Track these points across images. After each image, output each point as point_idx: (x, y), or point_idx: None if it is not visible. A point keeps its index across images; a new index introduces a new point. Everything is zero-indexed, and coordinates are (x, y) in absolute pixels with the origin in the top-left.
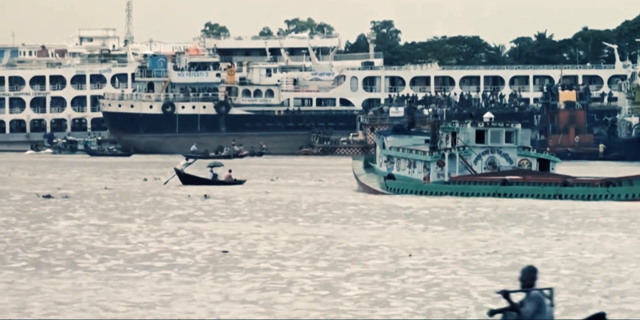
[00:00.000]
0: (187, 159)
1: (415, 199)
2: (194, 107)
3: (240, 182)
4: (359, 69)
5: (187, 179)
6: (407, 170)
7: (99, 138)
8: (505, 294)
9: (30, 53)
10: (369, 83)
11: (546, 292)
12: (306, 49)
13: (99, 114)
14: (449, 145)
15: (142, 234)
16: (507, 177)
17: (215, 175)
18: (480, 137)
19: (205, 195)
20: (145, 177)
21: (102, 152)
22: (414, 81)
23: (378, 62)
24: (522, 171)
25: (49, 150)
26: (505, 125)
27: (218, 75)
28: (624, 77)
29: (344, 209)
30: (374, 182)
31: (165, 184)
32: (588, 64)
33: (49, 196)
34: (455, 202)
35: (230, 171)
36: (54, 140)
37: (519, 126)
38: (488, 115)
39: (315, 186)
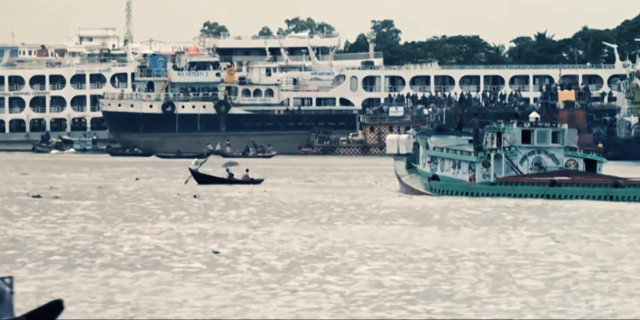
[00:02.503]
0: (198, 158)
1: (477, 201)
2: (193, 106)
3: (257, 182)
4: (359, 68)
5: (203, 179)
6: (451, 171)
7: (94, 137)
8: None
9: (29, 52)
10: (369, 83)
11: (7, 280)
12: (306, 48)
13: (99, 114)
14: (494, 146)
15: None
16: (556, 178)
17: (231, 175)
18: (526, 137)
19: (195, 195)
20: (137, 176)
21: (123, 152)
22: (414, 81)
23: (378, 61)
24: (569, 172)
25: (71, 149)
26: (551, 125)
27: (218, 74)
28: (623, 77)
29: (429, 215)
30: (417, 183)
31: (185, 184)
32: (588, 64)
33: (38, 196)
34: (547, 204)
35: (247, 170)
36: (50, 140)
37: (565, 126)
38: (534, 115)
39: (357, 187)
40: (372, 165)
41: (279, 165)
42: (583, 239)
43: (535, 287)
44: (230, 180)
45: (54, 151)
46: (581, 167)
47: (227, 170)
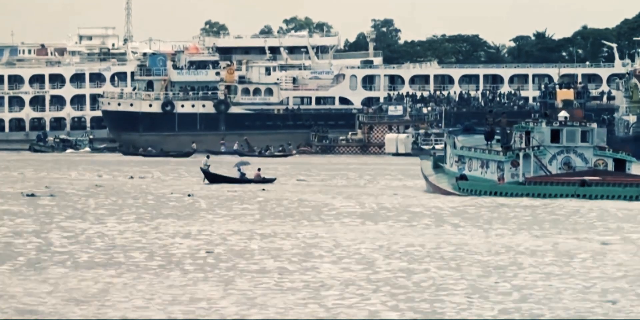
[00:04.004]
0: (207, 157)
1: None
2: (193, 105)
3: (269, 181)
4: (358, 67)
5: (214, 178)
6: (479, 170)
7: (91, 137)
8: None
9: (29, 51)
10: (368, 82)
11: None
12: (305, 47)
13: (99, 113)
14: (523, 145)
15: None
16: (586, 178)
17: (242, 174)
18: (555, 136)
19: (189, 195)
20: (131, 175)
21: (136, 152)
22: (413, 80)
23: (377, 60)
24: (599, 172)
25: (87, 148)
26: (581, 124)
27: (217, 73)
28: (622, 76)
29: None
30: (444, 182)
31: (204, 182)
32: (587, 63)
33: (32, 195)
34: (580, 205)
35: (259, 169)
36: (47, 139)
37: (594, 125)
38: (563, 113)
39: (383, 187)
40: (388, 164)
41: (300, 165)
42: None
43: None
44: (242, 180)
45: (69, 151)
46: (610, 166)
47: (239, 170)
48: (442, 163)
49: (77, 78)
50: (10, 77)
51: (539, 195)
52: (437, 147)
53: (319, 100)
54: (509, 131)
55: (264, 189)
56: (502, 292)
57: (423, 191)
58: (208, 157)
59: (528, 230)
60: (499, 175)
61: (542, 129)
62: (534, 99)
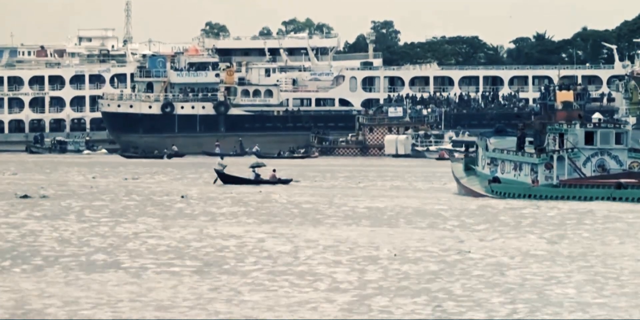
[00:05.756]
0: (222, 158)
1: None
2: (193, 107)
3: (285, 182)
4: (358, 69)
5: (229, 179)
6: (512, 173)
7: (87, 138)
8: None
9: (29, 53)
10: (368, 83)
11: None
12: (305, 49)
13: (98, 114)
14: (556, 147)
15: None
16: (622, 181)
17: (257, 175)
18: (589, 138)
19: (182, 196)
20: (126, 176)
21: (152, 154)
22: (413, 81)
23: (377, 62)
24: (633, 174)
25: (104, 150)
26: (615, 126)
27: (217, 75)
28: (622, 78)
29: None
30: (477, 185)
31: (214, 183)
32: (587, 65)
33: (25, 196)
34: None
35: (274, 171)
36: (44, 141)
37: (629, 127)
38: (597, 115)
39: (414, 189)
40: (405, 166)
41: (321, 166)
42: None
43: None
44: (257, 181)
45: (86, 152)
46: None
47: (254, 171)
48: (474, 165)
49: (77, 79)
50: (9, 78)
51: (573, 198)
52: (431, 148)
53: (318, 101)
54: (541, 133)
55: (260, 191)
56: None
57: (454, 194)
58: (222, 158)
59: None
60: (532, 178)
61: (576, 130)
62: (534, 100)
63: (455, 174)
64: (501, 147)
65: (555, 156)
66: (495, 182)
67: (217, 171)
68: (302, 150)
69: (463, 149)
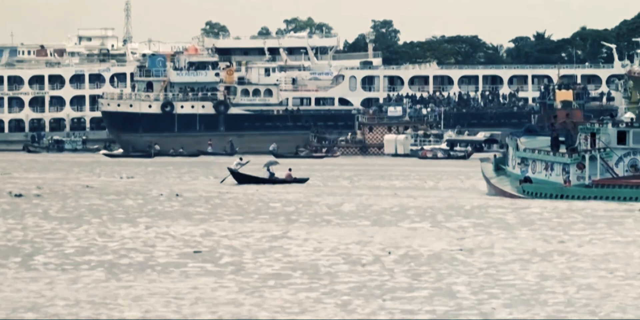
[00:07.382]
0: (240, 159)
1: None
2: (193, 106)
3: (301, 181)
4: (358, 68)
5: (243, 178)
6: (543, 172)
7: (84, 137)
8: None
9: (29, 52)
10: (368, 82)
11: None
12: (305, 48)
13: (98, 114)
14: (588, 147)
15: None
16: None
17: (272, 174)
18: (621, 138)
19: (177, 194)
20: (121, 175)
21: (166, 153)
22: (413, 81)
23: (377, 61)
24: None
25: (120, 150)
26: None
27: (217, 74)
28: (621, 77)
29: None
30: (507, 185)
31: (221, 183)
32: (587, 64)
33: (20, 195)
34: None
35: (290, 170)
36: (42, 140)
37: None
38: (629, 115)
39: (442, 189)
40: (427, 166)
41: (348, 166)
42: None
43: None
44: (272, 180)
45: (102, 151)
46: None
47: (268, 170)
48: (504, 165)
49: (77, 79)
50: (9, 78)
51: (607, 199)
52: (425, 147)
53: (318, 101)
54: (572, 133)
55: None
56: None
57: (484, 194)
58: (241, 158)
59: None
60: (564, 178)
61: (608, 130)
62: (534, 99)
63: (485, 174)
64: (532, 147)
65: (587, 156)
66: (527, 182)
67: (230, 170)
68: (325, 150)
69: (446, 147)
